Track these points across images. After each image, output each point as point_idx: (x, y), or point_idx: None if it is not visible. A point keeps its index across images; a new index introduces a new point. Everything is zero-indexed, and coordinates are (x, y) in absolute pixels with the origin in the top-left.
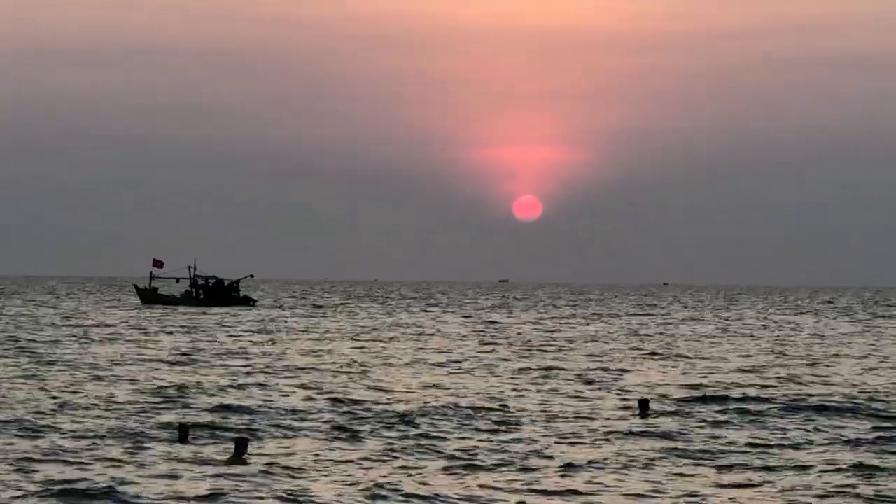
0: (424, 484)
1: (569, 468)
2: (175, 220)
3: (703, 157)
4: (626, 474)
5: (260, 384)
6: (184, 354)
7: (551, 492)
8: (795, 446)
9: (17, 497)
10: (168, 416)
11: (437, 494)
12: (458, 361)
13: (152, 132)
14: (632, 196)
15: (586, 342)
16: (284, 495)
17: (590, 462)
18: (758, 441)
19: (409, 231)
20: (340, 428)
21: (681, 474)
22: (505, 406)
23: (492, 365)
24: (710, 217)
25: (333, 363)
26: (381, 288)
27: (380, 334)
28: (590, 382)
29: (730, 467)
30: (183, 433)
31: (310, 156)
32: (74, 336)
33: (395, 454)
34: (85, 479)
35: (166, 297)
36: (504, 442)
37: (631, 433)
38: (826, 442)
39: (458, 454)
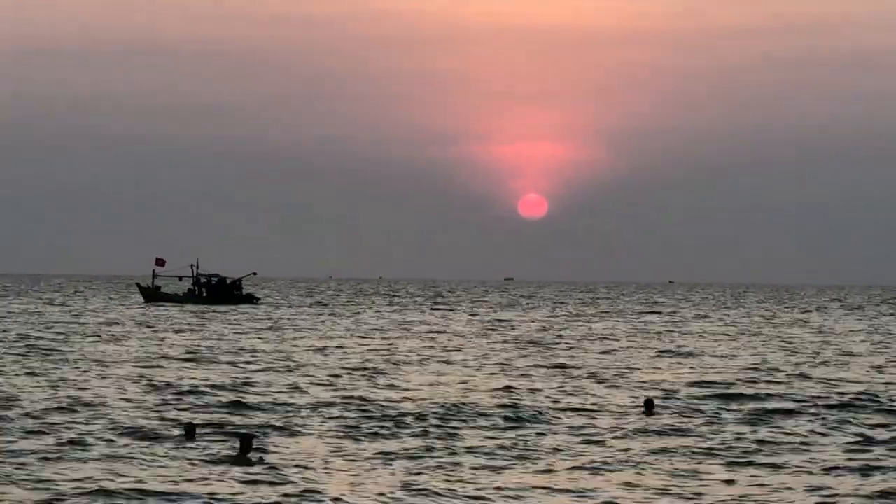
0: (435, 482)
1: (579, 466)
2: (175, 220)
3: (703, 157)
4: (637, 473)
5: (268, 382)
6: (191, 352)
7: (561, 489)
8: (806, 444)
9: (26, 495)
10: (175, 414)
11: (447, 492)
12: (468, 359)
13: (152, 132)
14: (633, 196)
15: (597, 340)
16: (290, 493)
17: (601, 460)
18: (768, 439)
19: (413, 229)
20: (349, 426)
21: (691, 471)
22: (516, 404)
23: (502, 363)
24: (711, 217)
25: (342, 360)
26: (387, 286)
27: (389, 332)
28: (602, 381)
29: (739, 465)
30: (189, 431)
31: (310, 156)
32: (82, 334)
33: (405, 453)
34: (90, 478)
35: (169, 296)
36: (514, 440)
37: (640, 431)
38: (839, 440)
39: (469, 452)
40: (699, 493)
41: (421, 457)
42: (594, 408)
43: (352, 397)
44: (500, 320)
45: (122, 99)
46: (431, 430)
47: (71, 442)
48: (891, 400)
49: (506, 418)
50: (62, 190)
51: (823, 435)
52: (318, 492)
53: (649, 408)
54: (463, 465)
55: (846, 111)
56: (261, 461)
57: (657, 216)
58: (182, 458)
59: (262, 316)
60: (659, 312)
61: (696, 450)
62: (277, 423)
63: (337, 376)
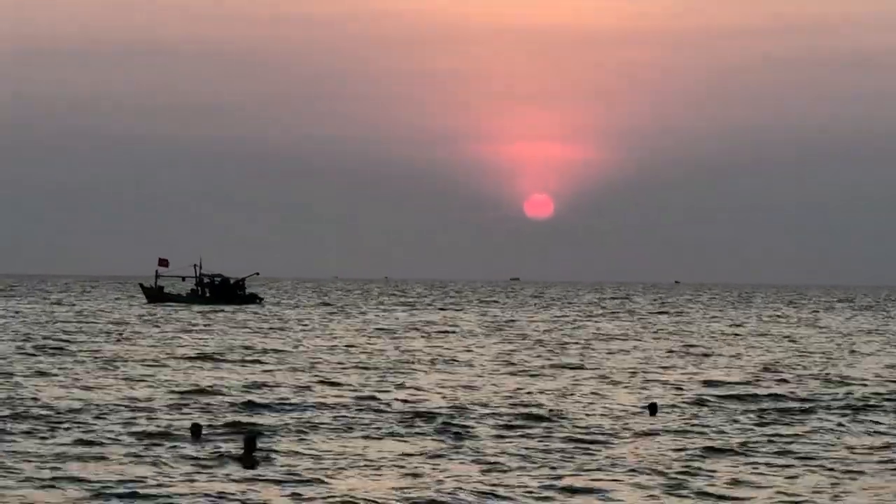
0: (447, 482)
1: (591, 467)
2: (175, 220)
3: (703, 157)
4: (646, 473)
5: (276, 382)
6: (199, 352)
7: (576, 490)
8: (817, 443)
9: (37, 495)
10: (181, 414)
11: (461, 492)
12: (477, 359)
13: (152, 132)
14: (634, 196)
15: (608, 340)
16: (297, 493)
17: (610, 460)
18: (778, 438)
19: (414, 230)
20: (359, 426)
21: (700, 468)
22: (526, 404)
23: (513, 363)
24: (711, 217)
25: (351, 360)
26: (394, 286)
27: (399, 332)
28: (614, 382)
29: (753, 465)
30: (195, 432)
31: (310, 156)
32: (89, 334)
33: (414, 452)
34: (98, 478)
35: (172, 296)
36: (524, 439)
37: (648, 433)
38: (852, 440)
39: (479, 452)
40: (707, 494)
41: (430, 456)
42: (608, 408)
43: (362, 398)
44: (511, 320)
45: (122, 99)
46: (441, 429)
47: (79, 441)
48: None
49: (516, 417)
50: (62, 190)
51: (837, 435)
52: (326, 492)
53: (653, 412)
54: (473, 464)
55: (846, 111)
56: (266, 460)
57: (657, 216)
58: (188, 458)
59: (268, 315)
60: (668, 312)
61: (711, 449)
62: (287, 423)
63: (347, 376)
